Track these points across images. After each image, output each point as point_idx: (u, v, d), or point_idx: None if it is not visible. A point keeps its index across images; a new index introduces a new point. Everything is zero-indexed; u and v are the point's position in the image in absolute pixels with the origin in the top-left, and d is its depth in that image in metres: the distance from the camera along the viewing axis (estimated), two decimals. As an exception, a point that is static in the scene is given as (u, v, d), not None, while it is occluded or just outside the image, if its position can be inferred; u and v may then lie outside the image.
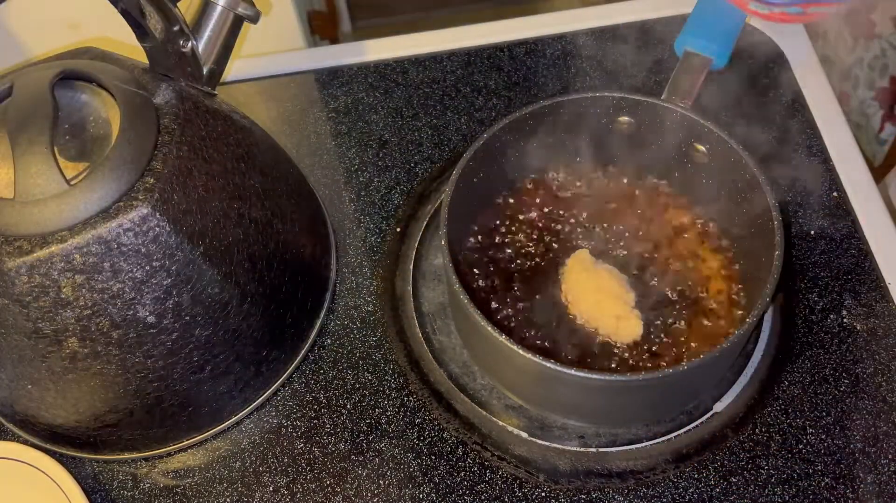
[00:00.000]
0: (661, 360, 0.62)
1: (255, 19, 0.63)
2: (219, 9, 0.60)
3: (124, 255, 0.52)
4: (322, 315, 0.69)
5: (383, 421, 0.64)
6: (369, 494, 0.61)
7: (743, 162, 0.61)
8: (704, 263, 0.66)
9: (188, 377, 0.58)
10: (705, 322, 0.63)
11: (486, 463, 0.62)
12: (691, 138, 0.65)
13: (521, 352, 0.54)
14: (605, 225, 0.68)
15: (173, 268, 0.54)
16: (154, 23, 0.55)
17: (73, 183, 0.51)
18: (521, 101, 0.81)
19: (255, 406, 0.65)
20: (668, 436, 0.62)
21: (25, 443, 0.64)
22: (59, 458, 0.63)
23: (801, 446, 0.61)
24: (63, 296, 0.51)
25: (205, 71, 0.61)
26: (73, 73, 0.55)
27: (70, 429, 0.61)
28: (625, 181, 0.71)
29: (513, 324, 0.64)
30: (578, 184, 0.71)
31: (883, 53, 1.10)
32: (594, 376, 0.54)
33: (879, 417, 0.62)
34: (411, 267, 0.71)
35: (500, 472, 0.61)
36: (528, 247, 0.68)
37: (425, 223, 0.74)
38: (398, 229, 0.74)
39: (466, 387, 0.65)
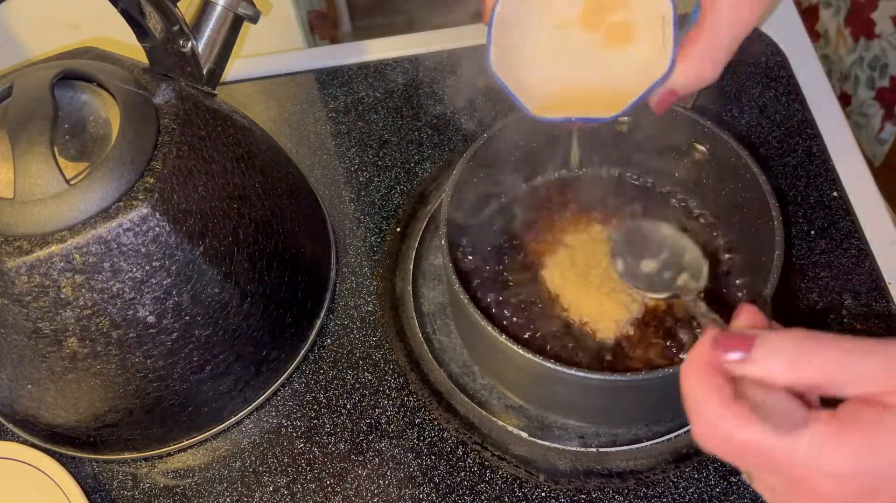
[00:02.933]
0: (660, 360, 0.62)
1: (255, 19, 0.63)
2: (219, 9, 0.60)
3: (124, 255, 0.52)
4: (322, 315, 0.69)
5: (383, 421, 0.64)
6: (369, 494, 0.61)
7: (743, 162, 0.61)
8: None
9: (188, 377, 0.58)
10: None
11: (486, 463, 0.62)
12: (691, 138, 0.65)
13: (521, 352, 0.54)
14: (605, 225, 0.68)
15: (173, 268, 0.54)
16: (154, 23, 0.55)
17: (73, 183, 0.51)
18: (521, 101, 0.81)
19: (255, 406, 0.65)
20: (668, 436, 0.62)
21: (25, 443, 0.64)
22: (59, 458, 0.63)
23: (801, 446, 0.61)
24: (63, 296, 0.51)
25: (205, 71, 0.61)
26: (73, 73, 0.55)
27: (70, 429, 0.61)
28: (625, 182, 0.71)
29: (513, 325, 0.64)
30: (578, 184, 0.71)
31: (883, 53, 1.10)
32: (594, 376, 0.54)
33: (879, 417, 0.62)
34: (411, 267, 0.71)
35: (500, 472, 0.61)
36: (529, 247, 0.68)
37: (425, 223, 0.74)
38: (398, 229, 0.74)
39: (466, 387, 0.65)
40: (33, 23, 0.90)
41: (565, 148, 0.69)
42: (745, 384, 0.35)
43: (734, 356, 0.35)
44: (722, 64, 0.50)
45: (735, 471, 0.60)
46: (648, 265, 0.54)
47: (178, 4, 0.57)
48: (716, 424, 0.34)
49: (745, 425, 0.34)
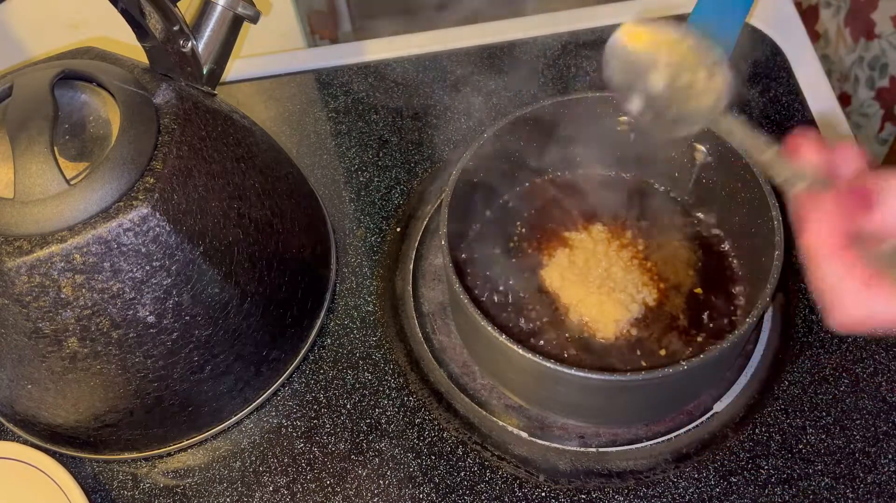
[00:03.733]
0: (660, 360, 0.62)
1: (255, 19, 0.63)
2: (219, 9, 0.60)
3: (124, 255, 0.52)
4: (322, 315, 0.69)
5: (383, 421, 0.64)
6: (369, 494, 0.61)
7: (743, 162, 0.61)
8: (704, 263, 0.66)
9: (188, 377, 0.58)
10: (704, 322, 0.63)
11: (486, 463, 0.62)
12: (691, 138, 0.65)
13: (521, 352, 0.54)
14: (605, 225, 0.68)
15: (173, 268, 0.54)
16: (154, 23, 0.55)
17: (73, 183, 0.51)
18: (521, 101, 0.81)
19: (255, 406, 0.65)
20: (668, 436, 0.62)
21: (25, 443, 0.64)
22: (59, 458, 0.63)
23: (801, 446, 0.61)
24: (63, 296, 0.52)
25: (205, 71, 0.61)
26: (73, 73, 0.55)
27: (70, 429, 0.61)
28: (625, 181, 0.71)
29: (513, 325, 0.64)
30: (578, 184, 0.71)
31: (883, 53, 1.10)
32: (594, 376, 0.54)
33: (879, 417, 0.62)
34: (411, 267, 0.71)
35: (500, 472, 0.61)
36: (528, 247, 0.68)
37: (425, 223, 0.74)
38: (398, 229, 0.74)
39: (466, 387, 0.65)
40: (33, 23, 0.90)
41: (564, 147, 0.69)
42: (861, 244, 0.35)
43: (859, 211, 0.34)
44: None
45: (735, 471, 0.60)
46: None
47: (178, 4, 0.57)
48: (864, 308, 0.34)
49: (892, 302, 0.34)
